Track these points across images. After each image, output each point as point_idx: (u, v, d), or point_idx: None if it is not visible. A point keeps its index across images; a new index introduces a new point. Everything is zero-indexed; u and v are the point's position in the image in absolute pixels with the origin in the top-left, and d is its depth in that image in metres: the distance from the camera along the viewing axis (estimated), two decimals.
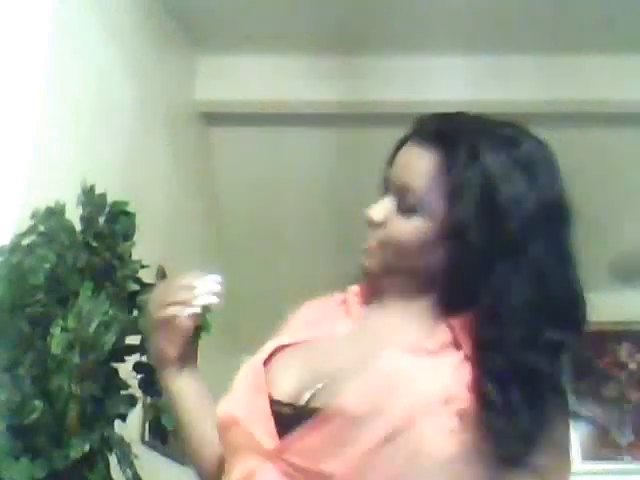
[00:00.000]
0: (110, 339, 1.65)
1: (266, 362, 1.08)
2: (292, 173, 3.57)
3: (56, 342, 1.59)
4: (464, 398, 0.93)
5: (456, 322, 1.02)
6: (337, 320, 1.14)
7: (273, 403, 1.00)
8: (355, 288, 1.17)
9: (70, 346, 1.61)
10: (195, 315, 1.12)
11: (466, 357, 0.98)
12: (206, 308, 1.13)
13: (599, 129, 3.30)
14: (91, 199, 1.84)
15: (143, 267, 1.85)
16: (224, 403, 1.06)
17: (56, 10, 2.07)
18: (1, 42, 1.96)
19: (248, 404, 1.02)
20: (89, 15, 2.29)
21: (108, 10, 2.43)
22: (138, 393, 1.76)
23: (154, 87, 2.86)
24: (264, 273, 3.76)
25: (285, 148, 3.52)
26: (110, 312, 1.66)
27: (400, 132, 1.15)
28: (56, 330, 1.61)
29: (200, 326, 1.18)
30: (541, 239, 1.01)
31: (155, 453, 2.52)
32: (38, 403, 1.56)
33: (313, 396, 0.99)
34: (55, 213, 1.77)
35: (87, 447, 1.59)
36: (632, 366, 4.14)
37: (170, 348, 1.15)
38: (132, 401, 1.75)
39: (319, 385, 1.00)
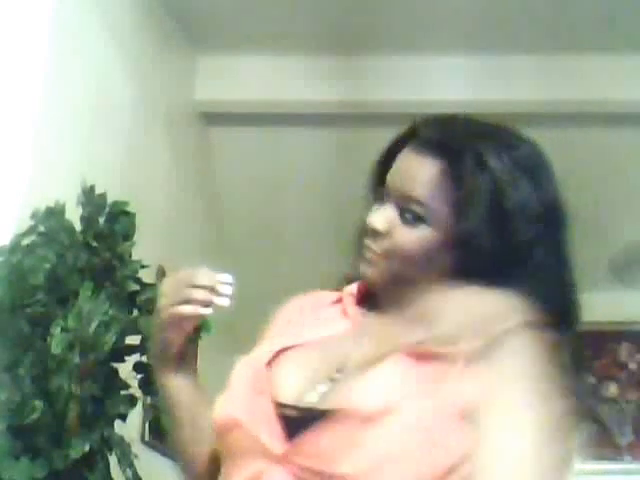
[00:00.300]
0: (110, 339, 1.65)
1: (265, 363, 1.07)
2: (292, 173, 3.56)
3: (56, 342, 1.59)
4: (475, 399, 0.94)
5: None
6: (335, 321, 1.13)
7: (276, 405, 1.00)
8: (351, 289, 1.16)
9: (70, 346, 1.61)
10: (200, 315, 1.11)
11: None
12: (215, 308, 1.11)
13: (599, 129, 3.30)
14: (91, 199, 1.84)
15: (143, 267, 1.85)
16: (222, 404, 1.05)
17: (56, 10, 2.07)
18: (1, 42, 1.96)
19: (250, 406, 1.01)
20: (89, 15, 2.29)
21: (108, 10, 2.43)
22: (138, 393, 1.76)
23: (154, 87, 2.86)
24: (264, 273, 3.76)
25: (285, 148, 3.52)
26: (110, 312, 1.67)
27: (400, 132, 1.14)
28: (56, 330, 1.61)
29: (201, 326, 1.17)
30: (542, 241, 1.02)
31: (155, 453, 2.52)
32: (38, 403, 1.56)
33: (319, 397, 0.99)
34: (55, 213, 1.77)
35: (87, 447, 1.59)
36: (632, 366, 4.13)
37: (173, 346, 1.14)
38: (132, 401, 1.75)
39: (324, 386, 1.00)
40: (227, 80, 3.30)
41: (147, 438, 2.51)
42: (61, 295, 1.67)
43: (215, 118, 3.42)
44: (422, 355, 0.96)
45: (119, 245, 1.81)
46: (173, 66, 3.12)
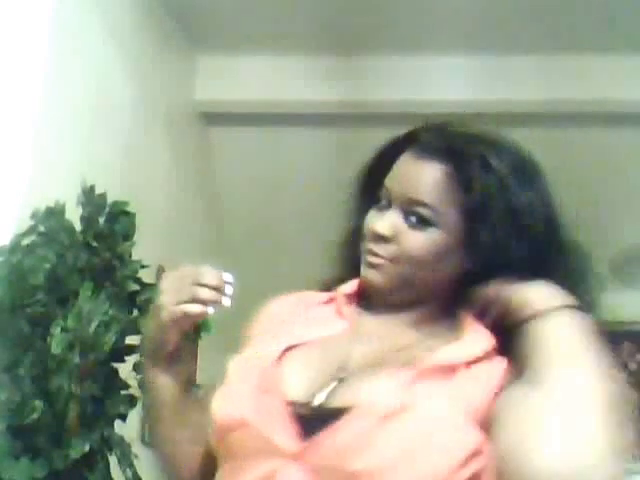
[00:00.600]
0: (110, 339, 1.65)
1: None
2: (292, 173, 3.56)
3: (56, 342, 1.59)
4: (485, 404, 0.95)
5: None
6: (332, 321, 1.13)
7: (287, 404, 0.99)
8: (344, 289, 1.16)
9: (70, 346, 1.61)
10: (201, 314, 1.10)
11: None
12: (216, 308, 1.11)
13: (599, 129, 3.30)
14: (91, 199, 1.84)
15: (143, 267, 1.85)
16: (222, 403, 1.04)
17: (56, 10, 2.07)
18: (1, 42, 1.97)
19: (257, 405, 1.00)
20: (89, 15, 2.29)
21: (108, 10, 2.43)
22: (138, 393, 1.75)
23: (154, 87, 2.86)
24: (264, 273, 3.76)
25: (285, 148, 3.52)
26: (110, 312, 1.67)
27: (400, 132, 1.15)
28: (56, 330, 1.61)
29: (200, 325, 1.16)
30: (550, 237, 1.05)
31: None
32: (38, 403, 1.56)
33: (327, 396, 0.99)
34: (55, 213, 1.77)
35: (87, 447, 1.59)
36: (632, 366, 4.13)
37: (169, 344, 1.13)
38: (132, 401, 1.75)
39: (331, 385, 1.00)
40: (227, 80, 3.30)
41: (147, 438, 2.50)
42: (61, 295, 1.67)
43: (215, 118, 3.42)
44: (439, 367, 0.98)
45: (119, 245, 1.81)
46: (173, 66, 3.12)
